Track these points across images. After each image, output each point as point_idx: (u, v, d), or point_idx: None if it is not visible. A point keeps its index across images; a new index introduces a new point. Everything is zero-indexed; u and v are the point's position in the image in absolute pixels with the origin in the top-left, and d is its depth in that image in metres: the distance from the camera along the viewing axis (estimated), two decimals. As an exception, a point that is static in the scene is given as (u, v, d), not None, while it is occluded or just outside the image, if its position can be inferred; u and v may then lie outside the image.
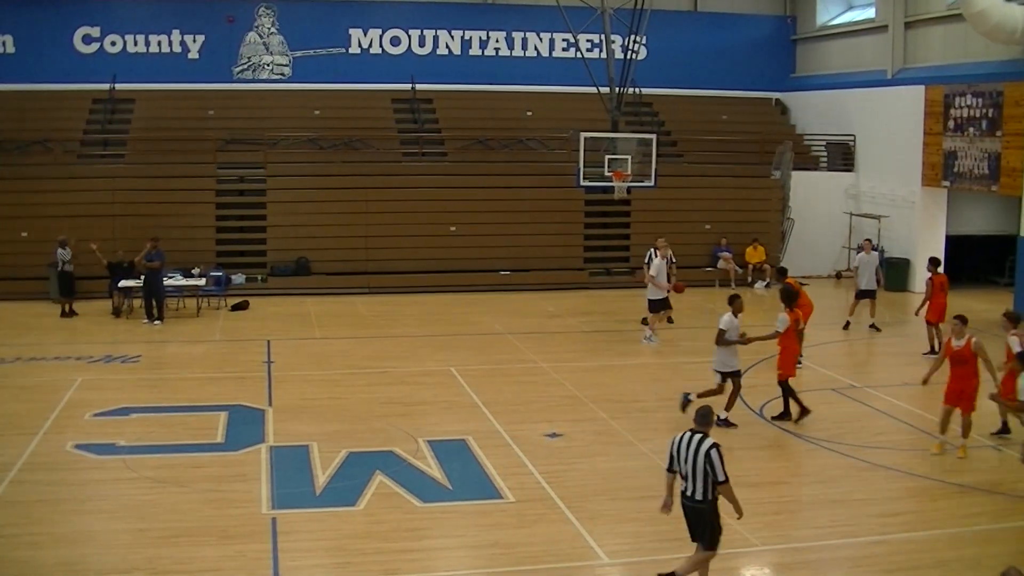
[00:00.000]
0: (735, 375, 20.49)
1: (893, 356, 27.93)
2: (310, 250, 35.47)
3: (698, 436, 12.82)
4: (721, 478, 12.64)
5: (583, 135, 34.88)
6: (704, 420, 12.97)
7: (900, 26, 39.23)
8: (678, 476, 13.04)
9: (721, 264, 37.97)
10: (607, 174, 34.82)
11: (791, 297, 21.43)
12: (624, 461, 18.40)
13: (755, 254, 38.29)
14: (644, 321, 28.95)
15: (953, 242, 37.50)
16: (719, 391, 20.40)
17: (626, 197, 36.90)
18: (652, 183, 35.30)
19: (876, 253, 31.66)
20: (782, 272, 27.35)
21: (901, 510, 16.19)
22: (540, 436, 19.51)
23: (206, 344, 28.04)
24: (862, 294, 30.11)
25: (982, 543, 14.98)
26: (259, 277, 35.32)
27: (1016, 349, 18.76)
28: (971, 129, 34.52)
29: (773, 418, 20.87)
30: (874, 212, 39.03)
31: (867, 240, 31.88)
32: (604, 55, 39.37)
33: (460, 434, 19.26)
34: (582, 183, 35.19)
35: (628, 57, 37.07)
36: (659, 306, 28.24)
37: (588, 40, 41.61)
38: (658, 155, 35.64)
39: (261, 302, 32.97)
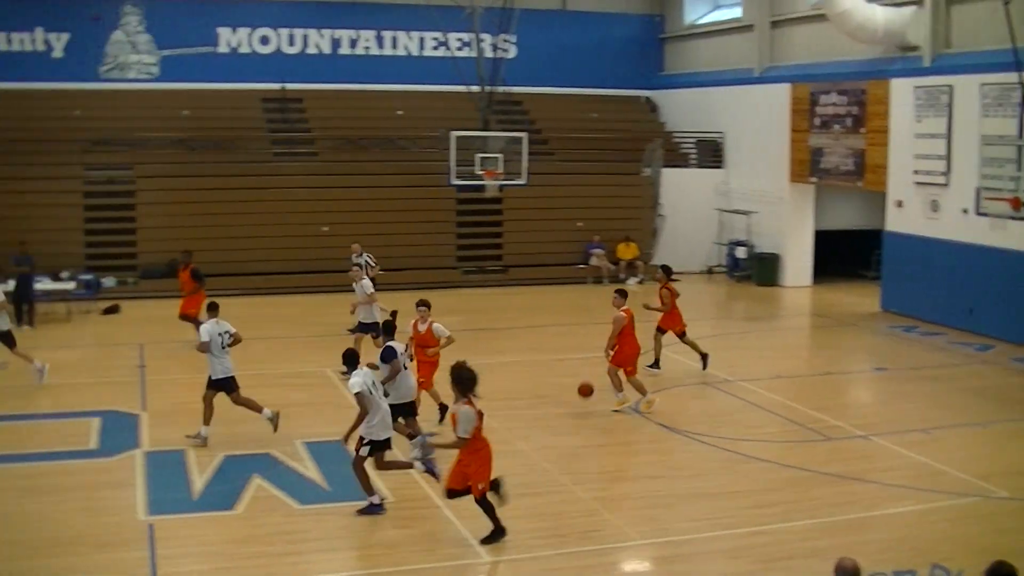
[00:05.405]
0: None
1: (765, 350, 28.34)
2: (181, 252, 34.96)
3: None
4: None
5: (454, 134, 34.88)
6: None
7: (766, 25, 39.82)
8: None
9: (594, 261, 38.23)
10: (479, 172, 34.88)
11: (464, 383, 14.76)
12: (501, 459, 18.23)
13: (627, 251, 38.62)
14: None
15: (821, 237, 38.20)
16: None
17: (498, 195, 37.02)
18: (524, 181, 35.41)
19: (366, 281, 25.38)
20: (667, 270, 25.42)
21: (776, 501, 16.45)
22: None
23: (77, 349, 27.60)
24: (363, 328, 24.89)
25: (855, 531, 15.27)
26: (130, 280, 34.80)
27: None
28: (836, 126, 35.16)
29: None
30: (744, 208, 39.56)
31: (356, 267, 26.68)
32: (474, 54, 39.43)
33: (336, 435, 19.01)
34: (454, 182, 35.21)
35: (498, 56, 37.14)
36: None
37: (458, 39, 41.71)
38: (529, 153, 35.76)
39: (133, 305, 32.45)
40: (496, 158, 35.02)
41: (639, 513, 15.83)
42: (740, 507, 16.19)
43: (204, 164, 37.28)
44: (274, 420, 19.25)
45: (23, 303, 29.49)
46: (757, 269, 38.30)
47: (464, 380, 14.46)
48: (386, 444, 15.93)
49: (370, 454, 15.76)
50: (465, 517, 15.27)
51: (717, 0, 45.91)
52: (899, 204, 32.64)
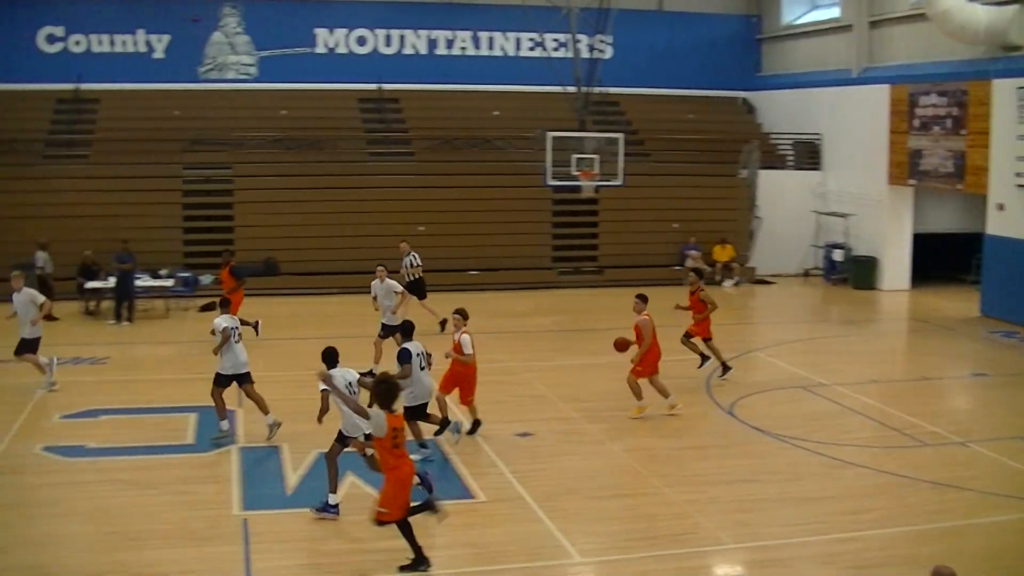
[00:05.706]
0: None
1: (862, 354, 28.02)
2: (278, 250, 35.36)
3: None
4: None
5: (550, 135, 34.89)
6: None
7: (865, 25, 39.39)
8: None
9: (689, 263, 37.96)
10: (575, 173, 34.86)
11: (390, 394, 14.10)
12: (593, 460, 18.43)
13: (723, 252, 38.43)
14: None
15: (920, 240, 37.70)
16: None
17: (594, 196, 37.00)
18: (620, 182, 35.32)
19: (390, 281, 25.32)
20: (700, 273, 25.63)
21: (871, 507, 16.25)
22: (510, 435, 19.52)
23: (175, 345, 27.94)
24: (386, 331, 25.03)
25: (953, 538, 15.04)
26: (227, 278, 35.18)
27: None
28: (936, 128, 34.67)
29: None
30: (841, 210, 39.16)
31: (380, 267, 25.52)
32: (570, 54, 39.40)
33: (429, 434, 19.12)
34: (550, 182, 35.23)
35: (594, 56, 37.11)
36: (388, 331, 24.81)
37: (554, 40, 41.77)
38: (625, 154, 35.65)
39: (229, 303, 32.76)
40: (592, 159, 35.00)
41: (731, 517, 15.71)
42: (834, 512, 16.02)
43: (301, 164, 37.68)
44: (226, 432, 19.35)
45: (123, 300, 29.96)
46: (854, 272, 37.89)
47: (383, 394, 13.97)
48: (346, 442, 16.16)
49: (337, 441, 16.11)
50: (557, 518, 15.29)
51: (815, 0, 45.52)
52: (1000, 207, 32.13)
